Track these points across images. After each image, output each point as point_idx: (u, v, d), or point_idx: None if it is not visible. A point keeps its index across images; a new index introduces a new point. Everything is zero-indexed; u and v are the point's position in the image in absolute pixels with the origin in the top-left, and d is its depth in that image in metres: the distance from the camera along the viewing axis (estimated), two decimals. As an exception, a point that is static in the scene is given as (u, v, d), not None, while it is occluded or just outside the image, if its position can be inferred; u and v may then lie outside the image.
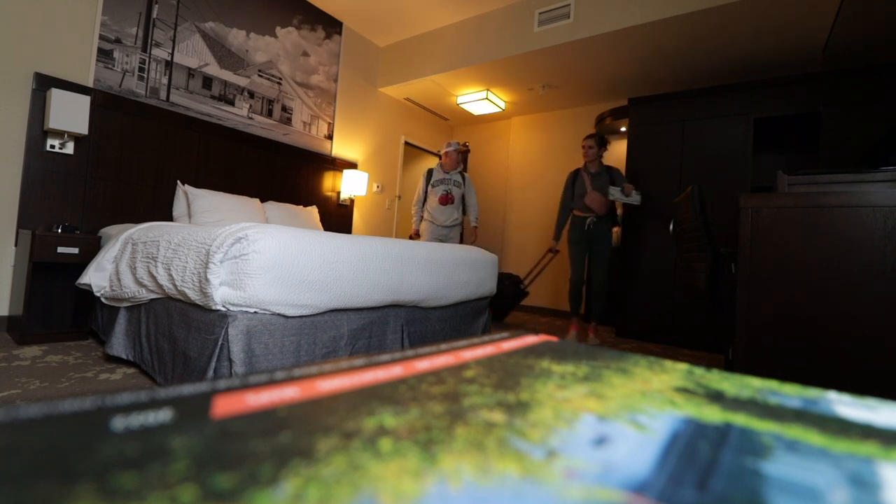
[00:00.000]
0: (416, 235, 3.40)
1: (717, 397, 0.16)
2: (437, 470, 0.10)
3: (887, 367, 0.93)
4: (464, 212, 3.35)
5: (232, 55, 3.05)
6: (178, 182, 2.65)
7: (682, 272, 2.17)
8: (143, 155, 2.56)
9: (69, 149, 2.26)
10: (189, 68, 2.81)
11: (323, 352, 1.46)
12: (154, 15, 2.62)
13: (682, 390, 0.17)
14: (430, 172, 3.34)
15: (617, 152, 4.15)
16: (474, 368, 0.18)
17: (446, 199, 3.23)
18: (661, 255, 3.19)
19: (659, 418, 0.14)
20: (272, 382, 0.15)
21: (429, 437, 0.11)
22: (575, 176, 3.07)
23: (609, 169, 3.00)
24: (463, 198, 3.31)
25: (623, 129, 3.99)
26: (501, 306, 3.61)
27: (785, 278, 1.05)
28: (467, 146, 3.32)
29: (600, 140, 2.98)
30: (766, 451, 0.12)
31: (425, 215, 3.33)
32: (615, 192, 2.84)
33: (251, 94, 3.18)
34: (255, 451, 0.10)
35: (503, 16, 3.45)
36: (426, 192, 3.33)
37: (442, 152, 3.30)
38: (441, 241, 3.28)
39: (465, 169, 3.34)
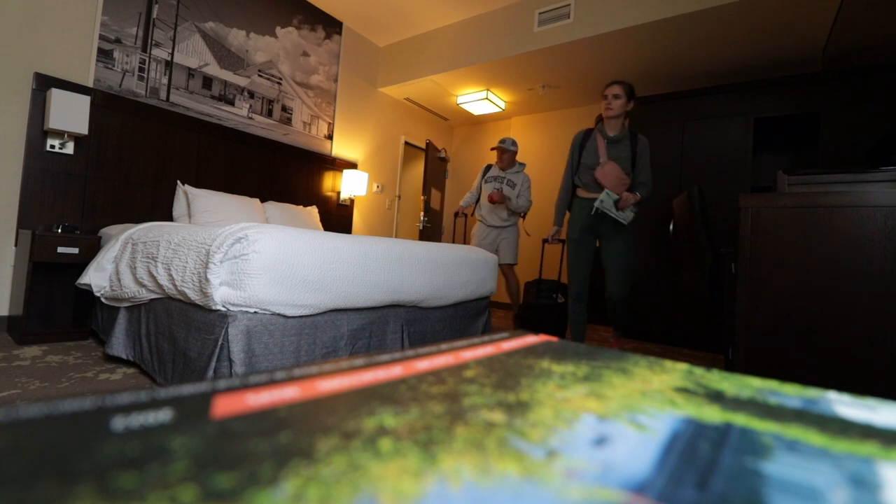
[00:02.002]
0: (461, 214, 3.31)
1: (717, 397, 0.16)
2: (437, 470, 0.10)
3: (887, 367, 0.93)
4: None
5: (232, 55, 3.05)
6: (178, 182, 2.65)
7: (682, 272, 2.17)
8: (143, 155, 2.56)
9: (69, 149, 2.25)
10: (189, 68, 2.81)
11: (323, 352, 1.46)
12: (154, 15, 2.62)
13: (682, 390, 0.17)
14: (487, 167, 3.26)
15: (617, 152, 4.15)
16: (474, 368, 0.18)
17: (493, 198, 3.03)
18: (661, 255, 3.19)
19: (659, 418, 0.14)
20: (272, 382, 0.15)
21: (429, 437, 0.11)
22: (585, 137, 2.21)
23: (634, 137, 2.16)
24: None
25: (623, 129, 3.98)
26: (547, 323, 2.85)
27: (785, 278, 1.05)
28: (511, 145, 3.18)
29: (630, 90, 2.13)
30: (766, 451, 0.12)
31: (476, 213, 3.26)
32: (606, 199, 2.05)
33: (251, 94, 3.18)
34: (255, 451, 0.10)
35: (503, 16, 3.45)
36: (480, 185, 3.24)
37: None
38: (488, 245, 3.13)
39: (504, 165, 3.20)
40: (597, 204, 2.03)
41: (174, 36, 2.72)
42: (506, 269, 3.19)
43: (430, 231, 4.51)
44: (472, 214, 3.38)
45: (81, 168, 2.31)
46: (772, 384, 0.17)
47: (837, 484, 0.10)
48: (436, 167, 4.75)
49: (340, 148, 3.92)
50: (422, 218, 4.34)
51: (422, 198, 4.38)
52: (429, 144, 4.44)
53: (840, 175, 1.13)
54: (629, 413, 0.14)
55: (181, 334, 1.38)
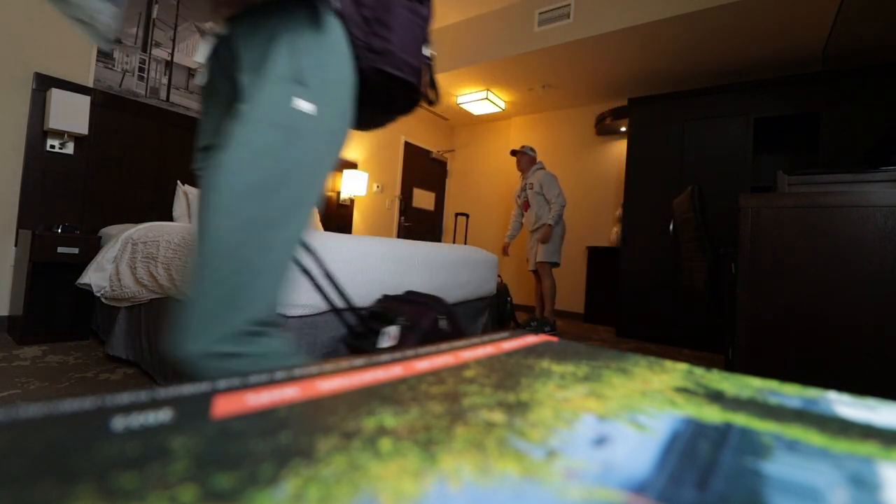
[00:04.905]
0: (506, 249, 3.44)
1: (717, 397, 0.16)
2: (437, 470, 0.10)
3: (887, 367, 0.93)
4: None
5: (232, 55, 3.04)
6: (178, 182, 2.65)
7: (682, 272, 2.17)
8: (143, 155, 2.56)
9: (69, 149, 2.25)
10: (189, 68, 2.80)
11: (323, 352, 1.46)
12: (154, 15, 2.62)
13: (682, 390, 0.17)
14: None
15: (617, 152, 4.15)
16: (474, 368, 0.18)
17: (526, 206, 3.36)
18: (661, 255, 3.19)
19: (659, 418, 0.14)
20: (272, 382, 0.15)
21: (429, 437, 0.11)
22: None
23: None
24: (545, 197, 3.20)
25: (623, 129, 3.99)
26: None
27: (785, 278, 1.05)
28: (523, 151, 3.35)
29: None
30: (766, 451, 0.12)
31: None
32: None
33: (251, 94, 3.18)
34: (255, 451, 0.10)
35: (503, 16, 3.45)
36: (516, 203, 3.48)
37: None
38: (530, 252, 3.32)
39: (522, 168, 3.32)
40: None
41: (174, 36, 2.72)
42: (539, 269, 3.22)
43: (412, 231, 4.49)
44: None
45: (81, 168, 2.31)
46: (772, 384, 0.17)
47: (837, 484, 0.10)
48: (426, 167, 4.74)
49: (340, 148, 3.92)
50: (400, 218, 4.33)
51: (399, 197, 4.38)
52: (407, 144, 4.45)
53: (840, 175, 1.13)
54: (629, 413, 0.14)
55: (181, 334, 1.38)
